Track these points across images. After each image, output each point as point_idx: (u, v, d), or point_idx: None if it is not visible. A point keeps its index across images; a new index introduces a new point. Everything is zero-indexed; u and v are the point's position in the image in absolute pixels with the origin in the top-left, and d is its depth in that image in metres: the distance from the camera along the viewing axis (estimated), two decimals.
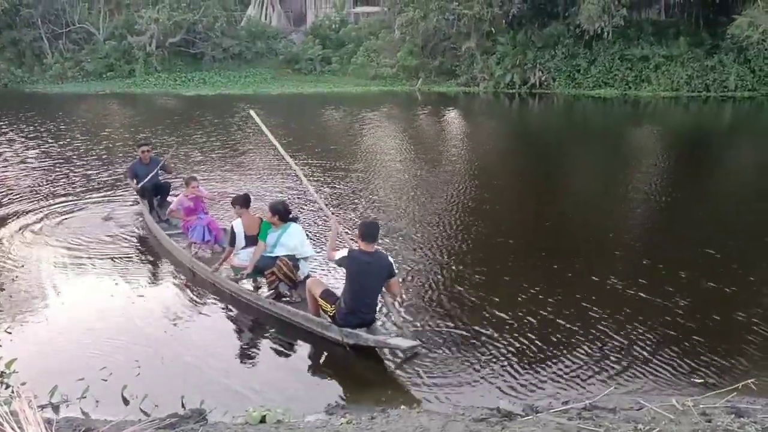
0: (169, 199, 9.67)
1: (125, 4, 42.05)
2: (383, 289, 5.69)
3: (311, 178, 12.75)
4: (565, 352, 5.65)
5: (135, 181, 9.70)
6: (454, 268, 7.82)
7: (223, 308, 6.84)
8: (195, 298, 7.13)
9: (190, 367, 5.46)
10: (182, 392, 4.92)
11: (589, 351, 5.65)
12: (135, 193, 10.13)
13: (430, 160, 15.58)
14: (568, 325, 6.12)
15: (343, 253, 5.72)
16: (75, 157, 15.71)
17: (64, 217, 10.25)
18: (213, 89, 35.22)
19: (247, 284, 6.95)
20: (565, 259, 8.09)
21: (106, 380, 5.14)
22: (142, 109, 29.39)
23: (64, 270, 7.89)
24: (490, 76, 33.65)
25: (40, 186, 12.61)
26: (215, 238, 8.08)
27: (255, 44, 42.03)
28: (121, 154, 15.62)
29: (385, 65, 38.11)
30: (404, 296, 6.77)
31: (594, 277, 7.40)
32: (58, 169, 14.27)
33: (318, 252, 7.65)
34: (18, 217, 10.20)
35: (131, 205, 10.76)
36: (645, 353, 5.59)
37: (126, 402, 4.86)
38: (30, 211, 10.59)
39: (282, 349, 5.97)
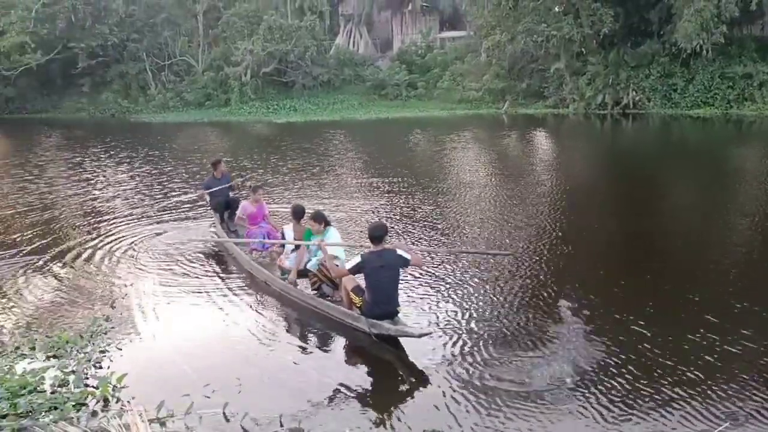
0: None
1: (223, 36, 44.24)
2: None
3: (396, 196, 13.25)
4: (670, 383, 5.32)
5: (209, 196, 10.74)
6: (545, 294, 7.58)
7: (319, 330, 6.91)
8: (291, 317, 7.28)
9: (289, 386, 5.52)
10: (281, 411, 4.99)
11: (695, 378, 5.29)
12: (208, 206, 11.06)
13: (517, 182, 15.34)
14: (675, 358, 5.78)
15: (357, 259, 6.40)
16: (168, 179, 16.65)
17: (159, 233, 10.96)
18: (303, 116, 36.32)
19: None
20: (672, 286, 7.68)
21: (209, 397, 5.28)
22: (235, 136, 30.70)
23: (165, 287, 8.22)
24: (580, 97, 32.91)
25: (138, 204, 13.63)
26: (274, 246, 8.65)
27: (343, 71, 43.11)
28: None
29: (471, 89, 38.07)
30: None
31: (697, 298, 6.98)
32: (156, 190, 15.37)
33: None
34: (121, 235, 10.85)
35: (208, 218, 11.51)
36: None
37: (227, 419, 4.97)
38: (131, 228, 11.40)
39: (381, 376, 5.91)
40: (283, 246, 8.14)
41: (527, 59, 36.33)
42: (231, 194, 10.89)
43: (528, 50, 34.78)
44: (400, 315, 6.38)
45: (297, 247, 7.74)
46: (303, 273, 7.56)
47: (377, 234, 6.36)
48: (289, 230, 8.00)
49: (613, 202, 13.23)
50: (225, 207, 10.60)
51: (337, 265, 6.94)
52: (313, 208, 9.31)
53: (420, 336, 6.03)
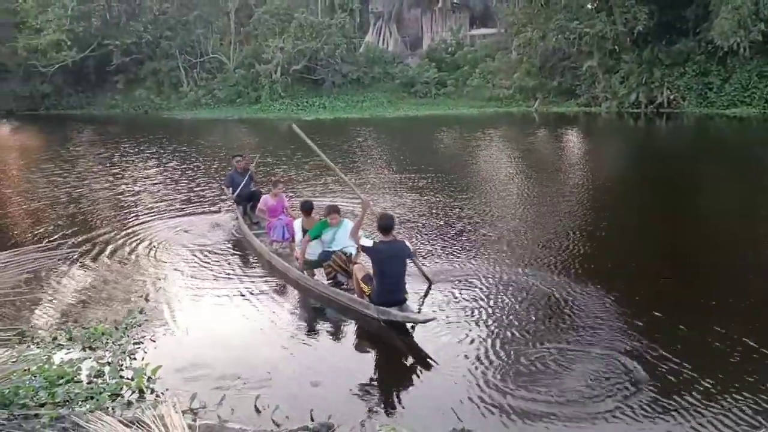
0: None
1: (254, 34, 44.62)
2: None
3: (425, 193, 13.32)
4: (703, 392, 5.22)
5: (231, 189, 11.33)
6: (574, 293, 7.48)
7: (338, 319, 6.99)
8: (320, 310, 7.38)
9: (320, 380, 5.54)
10: (311, 405, 5.02)
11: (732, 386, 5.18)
12: (231, 200, 11.49)
13: (547, 180, 15.22)
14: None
15: (368, 243, 6.76)
16: (194, 174, 16.92)
17: (185, 226, 11.27)
18: (332, 113, 36.47)
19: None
20: (702, 289, 7.54)
21: (240, 389, 5.33)
22: (264, 133, 30.94)
23: (195, 279, 8.37)
24: (613, 95, 32.49)
25: (168, 198, 13.98)
26: (292, 237, 9.04)
27: (372, 69, 43.17)
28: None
29: (501, 86, 37.84)
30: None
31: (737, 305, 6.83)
32: (182, 184, 15.73)
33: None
34: (152, 229, 11.09)
35: (229, 212, 11.85)
36: None
37: (258, 411, 5.01)
38: (162, 221, 11.70)
39: (415, 372, 5.88)
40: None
41: (559, 57, 35.96)
42: (252, 187, 11.33)
43: (560, 48, 34.41)
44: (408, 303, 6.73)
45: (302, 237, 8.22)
46: (318, 263, 7.98)
47: (387, 224, 6.73)
48: (298, 224, 8.49)
49: (650, 202, 12.98)
50: (247, 200, 11.16)
51: (349, 255, 7.53)
52: (329, 203, 9.49)
53: (425, 322, 6.35)
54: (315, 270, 8.11)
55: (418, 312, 6.85)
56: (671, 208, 12.23)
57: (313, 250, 8.02)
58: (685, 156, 19.54)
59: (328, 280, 7.74)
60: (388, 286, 6.57)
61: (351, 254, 7.70)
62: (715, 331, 6.17)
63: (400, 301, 6.62)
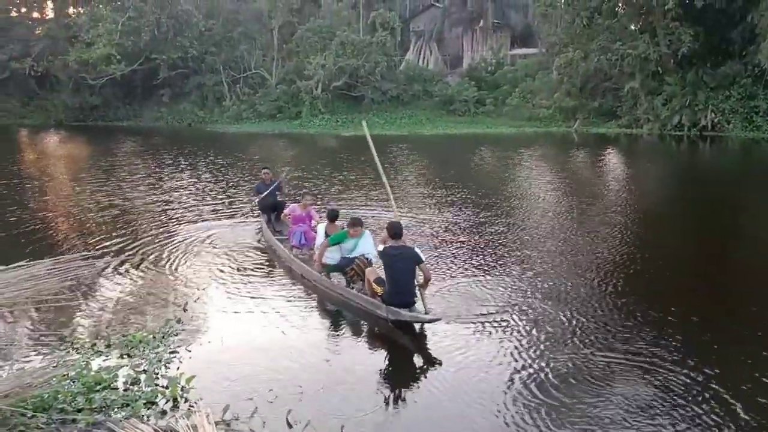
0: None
1: (296, 51, 45.36)
2: (419, 274, 7.13)
3: (459, 210, 13.25)
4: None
5: (257, 197, 11.88)
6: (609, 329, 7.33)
7: (388, 343, 6.94)
8: (354, 325, 7.42)
9: (351, 396, 5.54)
10: (342, 422, 5.02)
11: None
12: (258, 208, 12.08)
13: (585, 201, 15.00)
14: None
15: (380, 247, 7.32)
16: (231, 185, 17.16)
17: (216, 234, 11.62)
18: (370, 130, 36.33)
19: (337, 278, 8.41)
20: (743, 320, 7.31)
21: (272, 402, 5.36)
22: (302, 148, 31.29)
23: (231, 290, 8.47)
24: (655, 117, 32.01)
25: (201, 207, 14.43)
26: (310, 245, 9.68)
27: (412, 87, 43.42)
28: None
29: (541, 106, 37.64)
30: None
31: None
32: (218, 194, 16.22)
33: None
34: (189, 238, 11.34)
35: (255, 221, 12.34)
36: None
37: (290, 425, 5.02)
38: (195, 230, 12.03)
39: (438, 394, 5.85)
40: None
41: (600, 78, 35.62)
42: (278, 197, 11.95)
43: (601, 68, 34.09)
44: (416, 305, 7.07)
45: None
46: (337, 268, 8.38)
47: (396, 231, 7.27)
48: (321, 228, 8.89)
49: (693, 227, 12.70)
50: (272, 209, 11.76)
51: (369, 260, 7.95)
52: (352, 215, 9.89)
53: (430, 322, 6.84)
54: (332, 274, 8.48)
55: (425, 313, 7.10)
56: (710, 231, 11.94)
57: (333, 255, 8.40)
58: (731, 180, 19.07)
59: (347, 283, 8.22)
60: (397, 288, 7.01)
61: (371, 260, 8.04)
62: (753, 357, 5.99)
63: (409, 303, 7.02)
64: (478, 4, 48.41)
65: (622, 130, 33.23)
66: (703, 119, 30.48)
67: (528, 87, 39.74)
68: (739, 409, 5.21)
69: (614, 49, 32.35)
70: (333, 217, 9.00)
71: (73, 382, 5.52)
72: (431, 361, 6.31)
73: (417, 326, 7.01)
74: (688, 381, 5.67)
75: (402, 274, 7.04)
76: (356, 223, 8.41)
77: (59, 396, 5.16)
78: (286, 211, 10.72)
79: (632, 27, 34.23)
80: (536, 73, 40.54)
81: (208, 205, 14.90)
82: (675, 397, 5.39)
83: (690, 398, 5.38)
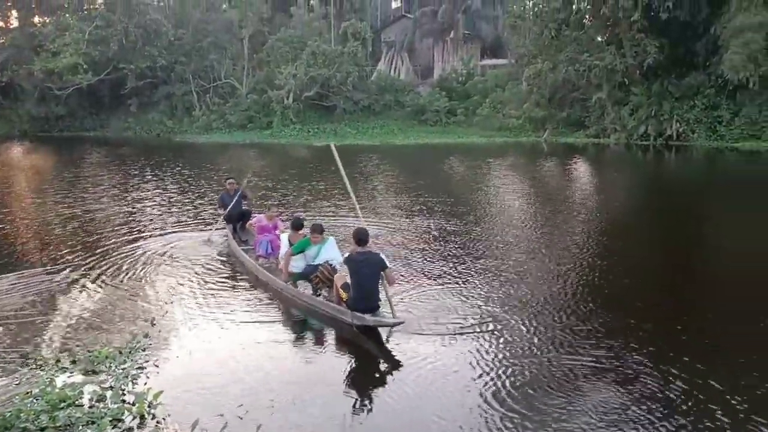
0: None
1: (267, 61, 45.19)
2: (384, 279, 7.22)
3: (432, 219, 13.14)
4: None
5: (223, 209, 11.94)
6: (569, 336, 7.41)
7: (356, 351, 6.90)
8: (321, 333, 7.45)
9: (325, 410, 5.47)
10: None
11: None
12: (223, 219, 12.04)
13: (554, 210, 15.18)
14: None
15: (345, 253, 7.52)
16: (195, 196, 16.90)
17: (180, 245, 11.54)
18: (342, 140, 36.67)
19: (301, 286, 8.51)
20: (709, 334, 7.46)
21: (242, 418, 5.27)
22: (272, 158, 31.08)
23: (199, 302, 8.35)
24: (622, 127, 32.62)
25: (163, 218, 14.35)
26: (274, 252, 9.84)
27: (383, 97, 43.58)
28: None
29: (510, 116, 38.07)
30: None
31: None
32: (188, 205, 16.01)
33: None
34: (153, 250, 11.18)
35: (221, 229, 12.11)
36: None
37: None
38: (159, 242, 11.89)
39: (403, 402, 5.83)
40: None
41: (568, 88, 36.19)
42: (244, 205, 12.03)
43: (569, 79, 34.66)
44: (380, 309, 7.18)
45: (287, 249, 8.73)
46: (302, 276, 8.49)
47: (361, 237, 7.35)
48: (285, 237, 9.07)
49: (658, 237, 12.92)
50: (237, 219, 11.88)
51: (334, 267, 8.04)
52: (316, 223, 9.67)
53: (393, 326, 6.91)
54: (298, 282, 8.55)
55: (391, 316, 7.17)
56: (675, 241, 12.17)
57: (297, 264, 8.49)
58: (696, 189, 19.49)
59: (313, 290, 8.27)
60: (362, 293, 7.12)
61: (335, 267, 8.10)
62: (712, 370, 6.10)
63: (373, 308, 7.13)
64: (448, 16, 48.85)
65: (590, 139, 33.77)
66: (668, 129, 31.14)
67: (498, 97, 40.18)
68: (704, 416, 5.30)
69: (582, 60, 32.95)
70: (297, 226, 9.04)
71: (37, 399, 5.38)
72: (397, 368, 6.32)
73: (383, 332, 7.04)
74: (654, 389, 5.75)
75: (367, 279, 7.16)
76: (317, 229, 8.48)
77: (22, 414, 5.02)
78: (252, 221, 10.85)
79: (599, 39, 34.92)
80: (506, 83, 41.03)
81: (173, 216, 14.74)
82: (641, 405, 5.46)
83: (656, 406, 5.45)
